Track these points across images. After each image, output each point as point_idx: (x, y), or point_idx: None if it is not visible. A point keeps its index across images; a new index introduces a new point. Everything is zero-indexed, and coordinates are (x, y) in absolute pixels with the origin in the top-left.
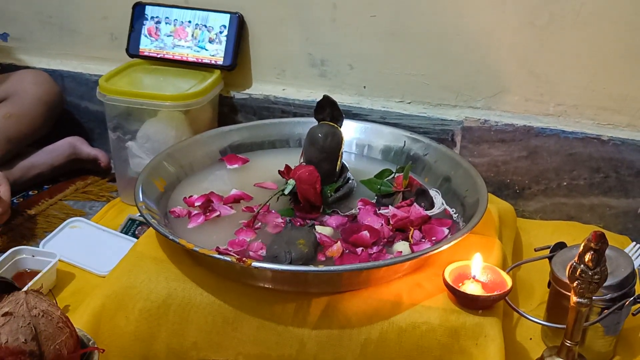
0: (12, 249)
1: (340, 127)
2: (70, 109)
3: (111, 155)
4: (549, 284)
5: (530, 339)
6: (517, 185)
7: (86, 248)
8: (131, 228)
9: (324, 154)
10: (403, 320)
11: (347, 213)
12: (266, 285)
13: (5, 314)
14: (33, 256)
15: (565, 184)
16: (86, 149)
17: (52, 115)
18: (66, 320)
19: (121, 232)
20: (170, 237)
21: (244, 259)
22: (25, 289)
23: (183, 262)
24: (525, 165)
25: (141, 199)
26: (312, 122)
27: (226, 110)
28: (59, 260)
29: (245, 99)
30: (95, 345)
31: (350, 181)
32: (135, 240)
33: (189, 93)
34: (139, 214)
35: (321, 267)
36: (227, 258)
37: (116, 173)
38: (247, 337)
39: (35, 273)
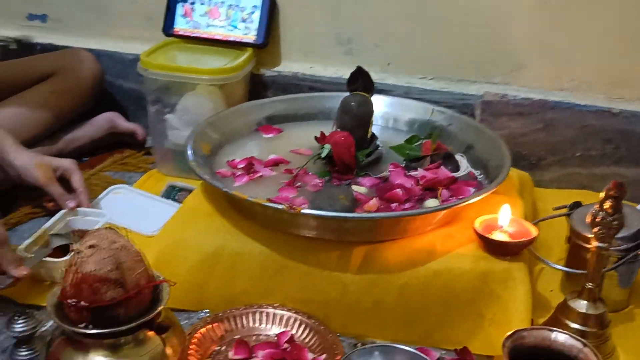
0: (64, 210)
1: (371, 96)
2: (106, 86)
3: (149, 128)
4: (568, 240)
5: (551, 291)
6: (533, 156)
7: (131, 211)
8: (171, 194)
9: (357, 121)
10: (437, 266)
11: (379, 175)
12: (310, 235)
13: (91, 246)
14: (83, 217)
15: (578, 154)
16: (124, 123)
17: (95, 92)
18: (142, 256)
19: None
20: (224, 189)
21: (293, 206)
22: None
23: (231, 216)
24: (541, 137)
25: (192, 158)
26: (340, 97)
27: (256, 88)
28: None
29: (274, 77)
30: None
31: (379, 148)
32: (177, 204)
33: (225, 68)
34: (179, 182)
35: (366, 214)
36: (279, 206)
37: (153, 145)
38: (294, 283)
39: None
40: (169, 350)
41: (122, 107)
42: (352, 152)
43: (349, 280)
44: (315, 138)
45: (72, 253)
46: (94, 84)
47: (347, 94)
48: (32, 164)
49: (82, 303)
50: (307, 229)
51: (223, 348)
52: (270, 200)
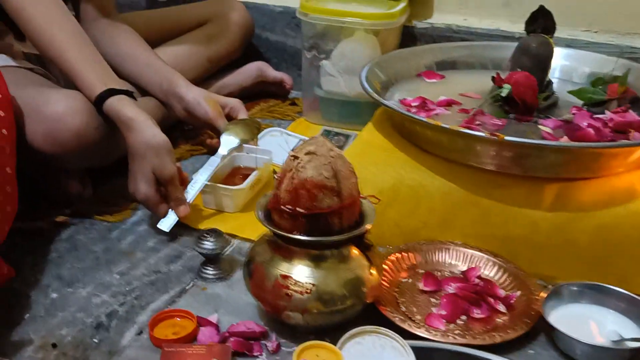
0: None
1: (551, 38)
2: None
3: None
4: None
5: None
6: None
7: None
8: (327, 137)
9: (535, 63)
10: (638, 206)
11: (561, 118)
12: (496, 168)
13: (309, 153)
14: (248, 153)
15: None
16: (272, 72)
17: (245, 40)
18: (353, 168)
19: None
20: (416, 117)
21: (496, 133)
22: (244, 184)
23: (409, 149)
24: None
25: (369, 89)
26: (504, 46)
27: (407, 40)
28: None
29: (426, 29)
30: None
31: (555, 93)
32: None
33: (385, 13)
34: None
35: (576, 143)
36: (479, 133)
37: (303, 94)
38: (477, 218)
39: (250, 170)
40: (373, 270)
41: (267, 59)
42: (535, 91)
43: (539, 218)
44: (492, 78)
45: (288, 158)
46: (245, 32)
47: (507, 44)
48: (202, 98)
49: (299, 209)
50: (493, 162)
51: (410, 281)
52: (469, 127)
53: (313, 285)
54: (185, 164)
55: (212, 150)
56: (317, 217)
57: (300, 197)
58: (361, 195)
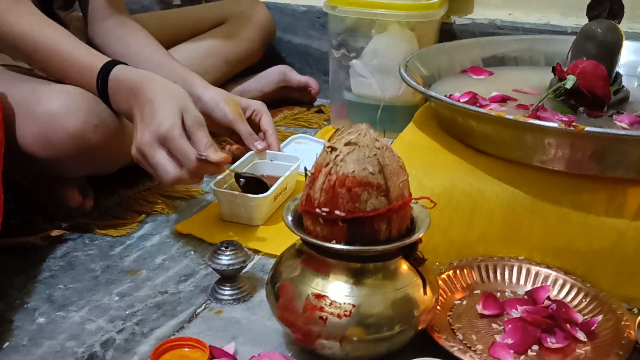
0: (250, 153)
1: (619, 23)
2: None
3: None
4: None
5: None
6: None
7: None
8: None
9: (602, 51)
10: None
11: (637, 113)
12: (569, 170)
13: (348, 143)
14: (272, 161)
15: None
16: (296, 76)
17: (266, 41)
18: (402, 164)
19: None
20: (474, 108)
21: (573, 123)
22: (270, 191)
23: (463, 151)
24: None
25: (412, 81)
26: (560, 40)
27: (445, 38)
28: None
29: (466, 25)
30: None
31: (624, 87)
32: None
33: (424, 4)
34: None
35: None
36: (552, 124)
37: (331, 98)
38: (546, 229)
39: (273, 178)
40: (428, 289)
41: (290, 64)
42: (606, 82)
43: (624, 228)
44: (553, 69)
45: (323, 151)
46: (266, 32)
47: (563, 37)
48: (221, 98)
49: (337, 212)
50: (567, 159)
51: (465, 302)
52: (539, 116)
53: (354, 306)
54: None
55: (232, 160)
56: (360, 222)
57: (338, 197)
58: (421, 197)
